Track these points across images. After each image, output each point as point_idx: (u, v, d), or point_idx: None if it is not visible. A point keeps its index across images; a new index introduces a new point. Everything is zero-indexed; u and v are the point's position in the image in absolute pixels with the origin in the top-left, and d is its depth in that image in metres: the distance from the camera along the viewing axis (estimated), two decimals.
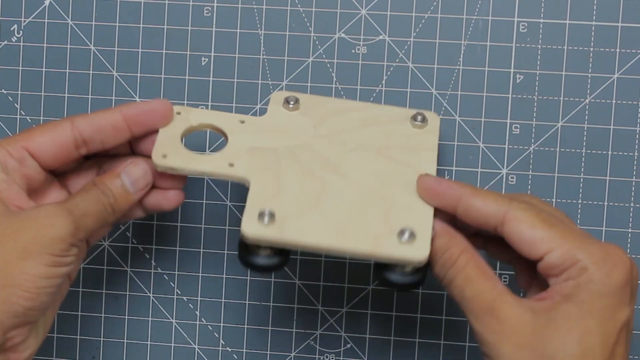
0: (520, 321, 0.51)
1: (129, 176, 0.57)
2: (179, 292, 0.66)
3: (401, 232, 0.53)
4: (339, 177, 0.56)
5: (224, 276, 0.66)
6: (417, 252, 0.53)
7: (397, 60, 0.64)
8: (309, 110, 0.59)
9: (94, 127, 0.57)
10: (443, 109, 0.64)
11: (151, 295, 0.66)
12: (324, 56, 0.64)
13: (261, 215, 0.54)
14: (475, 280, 0.52)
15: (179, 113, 0.59)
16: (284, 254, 0.54)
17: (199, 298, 0.66)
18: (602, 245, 0.52)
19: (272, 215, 0.54)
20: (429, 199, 0.55)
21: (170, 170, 0.57)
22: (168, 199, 0.59)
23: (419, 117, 0.59)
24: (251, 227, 0.53)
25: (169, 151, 0.57)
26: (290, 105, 0.59)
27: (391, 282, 0.54)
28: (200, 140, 0.65)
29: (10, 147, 0.55)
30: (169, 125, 0.58)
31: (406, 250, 0.53)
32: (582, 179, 0.63)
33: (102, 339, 0.67)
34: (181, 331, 0.66)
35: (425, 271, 0.54)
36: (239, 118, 0.59)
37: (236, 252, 0.66)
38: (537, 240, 0.52)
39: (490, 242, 0.57)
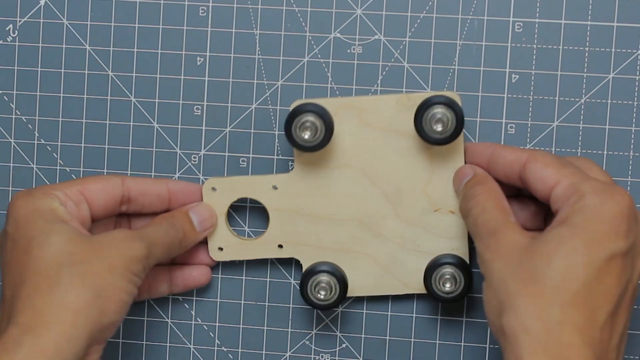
0: (516, 243, 0.53)
1: (197, 215, 0.62)
2: None
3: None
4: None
5: (220, 276, 0.66)
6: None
7: (393, 60, 0.64)
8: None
9: (141, 190, 0.61)
10: None
11: None
12: (319, 56, 0.64)
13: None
14: (489, 210, 0.56)
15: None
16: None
17: (194, 298, 0.66)
18: (607, 183, 0.54)
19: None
20: (467, 158, 0.61)
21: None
22: (198, 275, 0.64)
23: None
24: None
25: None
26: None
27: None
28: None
29: (68, 190, 0.58)
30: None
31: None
32: None
33: None
34: (177, 331, 0.66)
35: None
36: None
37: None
38: (548, 175, 0.55)
39: None
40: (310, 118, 0.59)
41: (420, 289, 0.63)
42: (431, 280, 0.61)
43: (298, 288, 0.64)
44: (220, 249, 0.64)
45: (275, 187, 0.62)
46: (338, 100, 0.62)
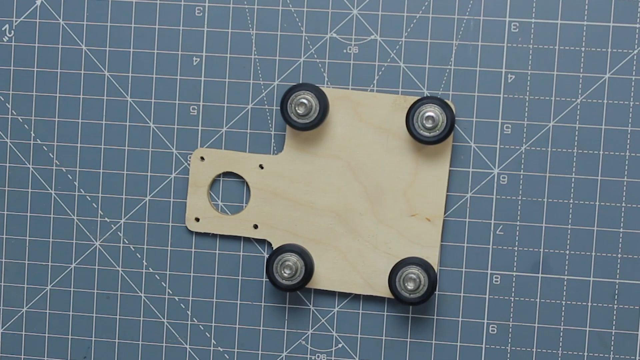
0: None
1: None
2: (171, 292, 0.66)
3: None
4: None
5: (216, 276, 0.66)
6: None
7: (389, 60, 0.64)
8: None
9: None
10: None
11: (143, 295, 0.67)
12: (315, 56, 0.64)
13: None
14: None
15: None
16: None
17: (190, 298, 0.66)
18: None
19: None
20: None
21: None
22: None
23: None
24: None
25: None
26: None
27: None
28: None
29: None
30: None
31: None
32: (573, 179, 0.63)
33: (93, 338, 0.67)
34: (173, 331, 0.66)
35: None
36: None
37: (231, 253, 0.66)
38: None
39: None
40: (307, 96, 0.61)
41: (385, 292, 0.63)
42: (395, 278, 0.62)
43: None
44: (197, 219, 0.65)
45: (261, 167, 0.64)
46: (336, 91, 0.63)
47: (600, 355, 0.64)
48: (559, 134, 0.63)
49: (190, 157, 0.65)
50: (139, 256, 0.66)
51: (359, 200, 0.63)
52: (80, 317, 0.67)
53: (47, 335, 0.67)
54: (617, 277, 0.63)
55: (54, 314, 0.67)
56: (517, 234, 0.64)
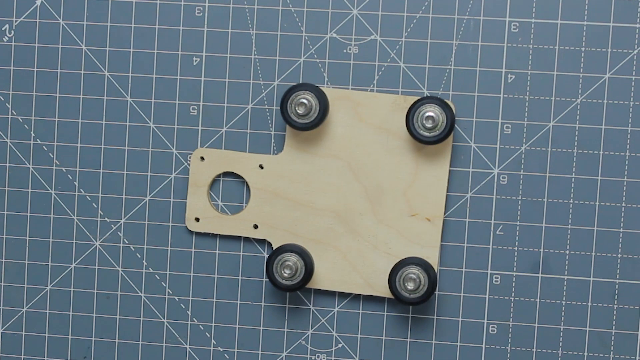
0: None
1: None
2: (171, 292, 0.66)
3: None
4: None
5: (216, 276, 0.66)
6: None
7: (389, 60, 0.64)
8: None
9: None
10: None
11: (143, 295, 0.67)
12: (315, 56, 0.64)
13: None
14: None
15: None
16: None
17: (190, 298, 0.66)
18: None
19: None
20: None
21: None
22: None
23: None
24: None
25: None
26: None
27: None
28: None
29: None
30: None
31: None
32: (573, 179, 0.63)
33: (93, 338, 0.67)
34: (173, 331, 0.66)
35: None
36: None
37: (231, 253, 0.66)
38: None
39: None
40: (307, 96, 0.62)
41: (385, 292, 0.63)
42: (395, 278, 0.62)
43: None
44: (197, 219, 0.65)
45: (261, 167, 0.64)
46: (336, 91, 0.63)
47: (600, 355, 0.64)
48: (559, 134, 0.63)
49: (190, 157, 0.65)
50: (139, 256, 0.66)
51: (359, 200, 0.63)
52: (80, 317, 0.67)
53: (47, 335, 0.67)
54: (617, 277, 0.63)
55: (54, 314, 0.67)
56: (517, 234, 0.64)
